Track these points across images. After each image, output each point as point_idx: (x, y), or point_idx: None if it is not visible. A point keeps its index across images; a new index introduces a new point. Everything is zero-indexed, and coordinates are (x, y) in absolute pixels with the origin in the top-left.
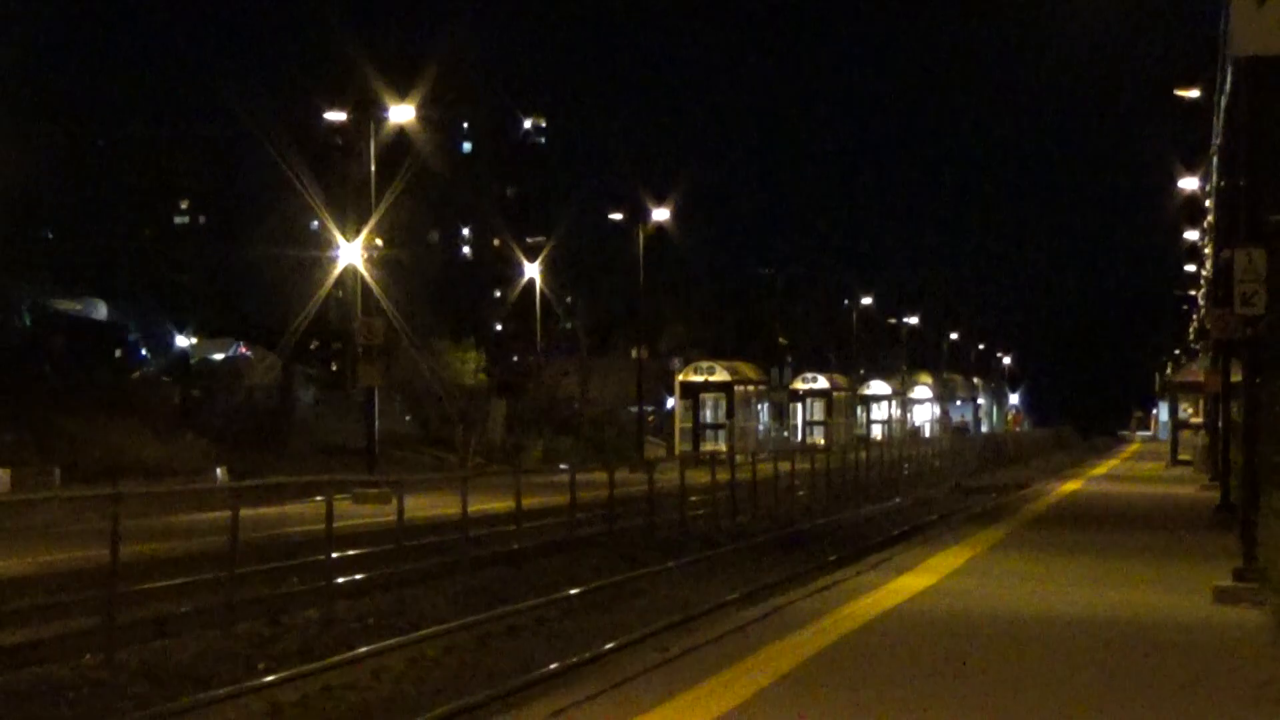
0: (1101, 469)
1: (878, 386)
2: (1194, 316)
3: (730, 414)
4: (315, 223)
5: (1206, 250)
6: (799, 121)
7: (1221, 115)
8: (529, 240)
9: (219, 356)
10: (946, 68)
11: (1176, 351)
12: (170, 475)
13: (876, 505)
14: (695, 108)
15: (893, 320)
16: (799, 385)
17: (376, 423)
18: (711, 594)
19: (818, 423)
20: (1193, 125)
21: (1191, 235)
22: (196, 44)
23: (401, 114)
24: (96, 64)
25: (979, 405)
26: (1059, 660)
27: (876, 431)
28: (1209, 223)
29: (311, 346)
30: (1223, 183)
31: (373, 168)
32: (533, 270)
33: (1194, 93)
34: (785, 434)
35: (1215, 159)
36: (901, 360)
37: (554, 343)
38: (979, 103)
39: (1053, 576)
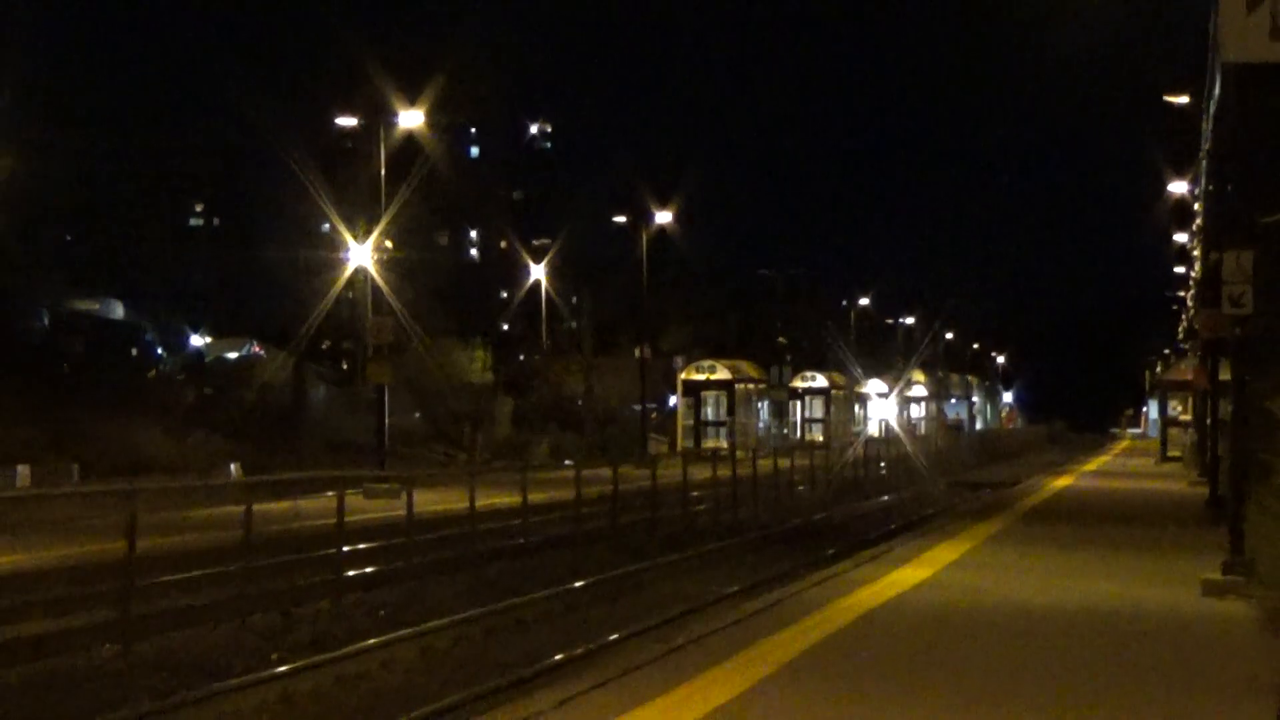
0: (1093, 465)
1: (875, 385)
2: (1183, 317)
3: (731, 411)
4: (326, 225)
5: (1195, 252)
6: (800, 127)
7: (1210, 120)
8: (535, 242)
9: (232, 355)
10: (945, 75)
11: (1166, 351)
12: (185, 471)
13: (875, 500)
14: (698, 113)
15: (889, 321)
16: (798, 384)
17: (386, 420)
18: (714, 586)
19: (816, 420)
20: (1182, 130)
21: (1181, 238)
22: (211, 52)
23: (411, 119)
24: (114, 72)
25: (973, 403)
26: (1052, 650)
27: (874, 428)
28: (1198, 225)
29: (323, 346)
30: (1211, 186)
31: (382, 172)
32: (538, 271)
33: (1183, 98)
34: (785, 431)
35: (1204, 163)
36: (898, 360)
37: (559, 342)
38: (976, 109)
39: (1046, 569)
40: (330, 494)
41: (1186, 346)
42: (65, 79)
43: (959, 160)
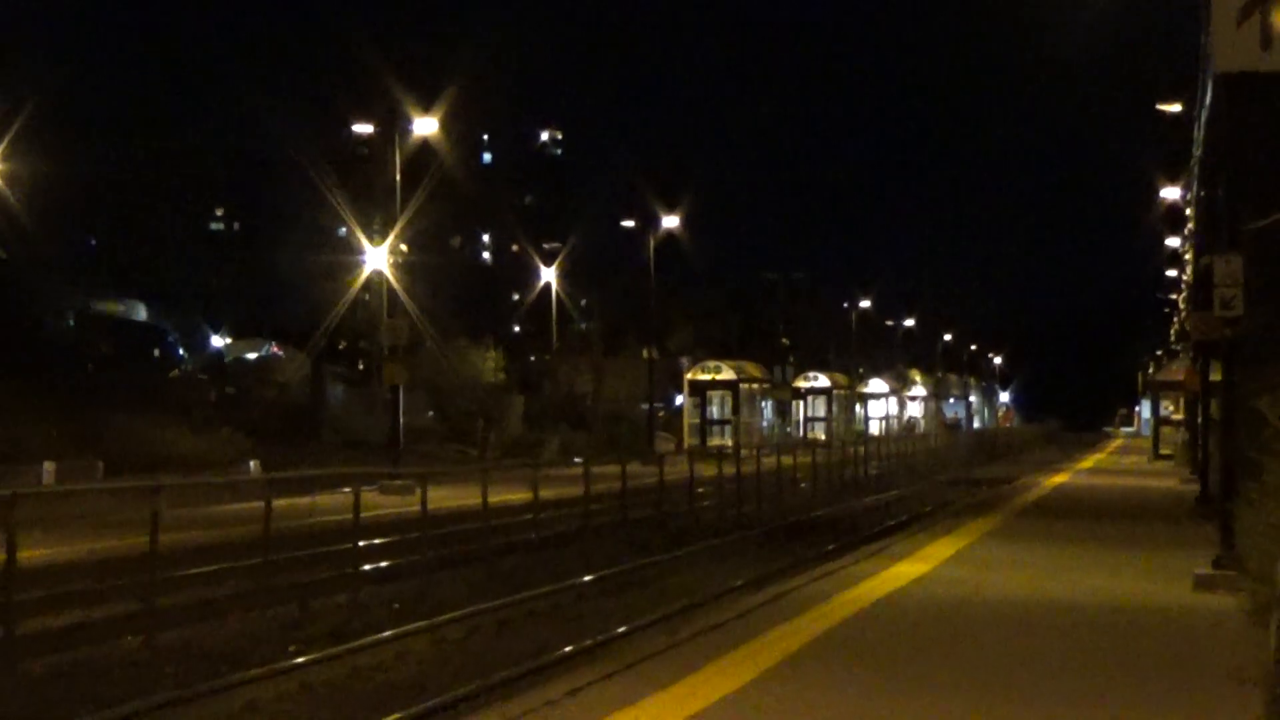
0: (1087, 463)
1: (876, 385)
2: (1175, 319)
3: (736, 410)
4: (343, 229)
5: (1187, 256)
6: (801, 134)
7: (1202, 129)
8: (545, 246)
9: (252, 356)
10: (944, 82)
11: (1158, 352)
12: (206, 468)
13: (874, 497)
14: (702, 120)
15: (890, 322)
16: (801, 383)
17: (401, 418)
18: (718, 580)
19: (818, 419)
20: (1174, 138)
21: (1173, 242)
22: (231, 63)
23: (425, 127)
24: (137, 81)
25: (971, 403)
26: (1047, 643)
27: (875, 427)
28: (1190, 230)
29: (340, 346)
30: (1203, 192)
31: (398, 178)
32: (549, 274)
33: (1176, 107)
34: (788, 430)
35: (1196, 170)
36: (897, 360)
37: (569, 343)
38: (974, 117)
39: (1041, 564)
40: (346, 490)
41: (1178, 348)
42: (91, 88)
43: (957, 167)
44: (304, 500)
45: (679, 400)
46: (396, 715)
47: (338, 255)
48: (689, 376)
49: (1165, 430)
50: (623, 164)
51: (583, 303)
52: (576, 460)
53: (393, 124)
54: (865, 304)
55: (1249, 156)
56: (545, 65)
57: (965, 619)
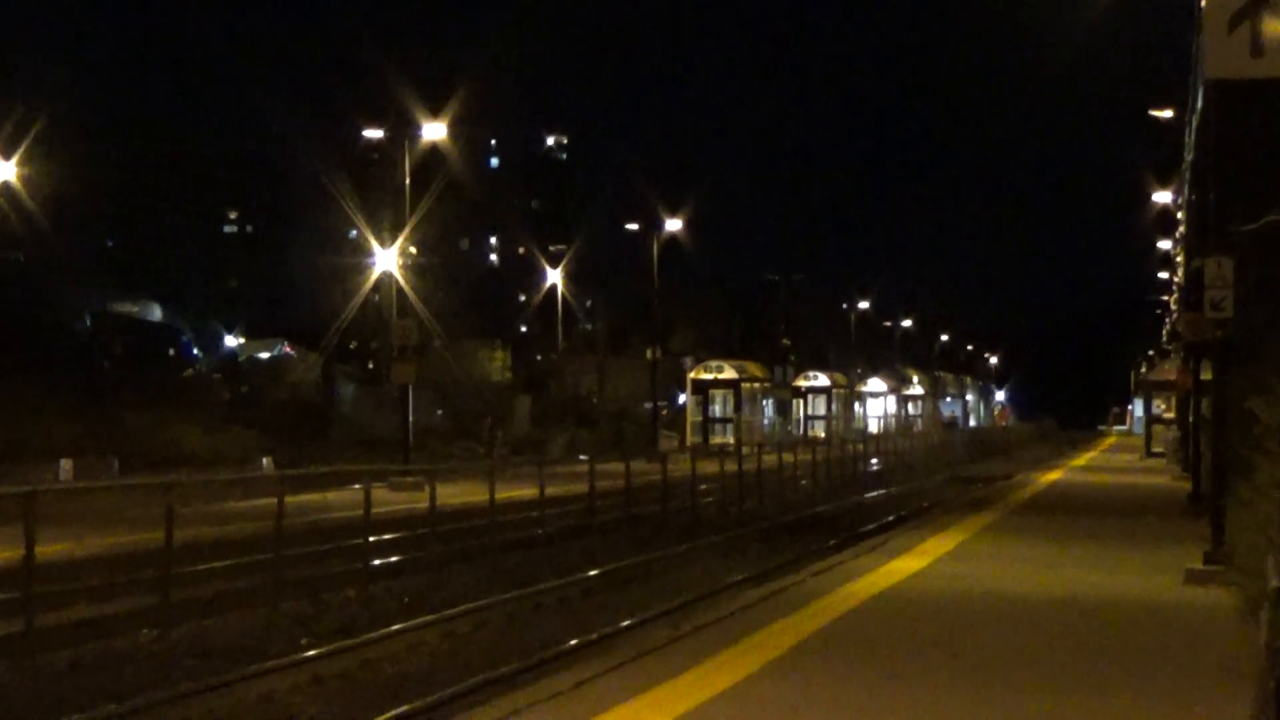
0: (1081, 460)
1: (874, 384)
2: (1167, 320)
3: (738, 409)
4: (354, 232)
5: (1179, 259)
6: (802, 141)
7: (1193, 134)
8: (551, 249)
9: (265, 355)
10: (942, 89)
11: (1150, 352)
12: (220, 465)
13: (873, 493)
14: (705, 126)
15: (888, 323)
16: (801, 383)
17: (410, 417)
18: (721, 575)
19: (818, 417)
20: (1166, 143)
21: (1165, 245)
22: (245, 70)
23: (434, 132)
24: (154, 88)
25: (968, 401)
26: (1042, 637)
27: (873, 425)
28: (1181, 233)
29: (350, 346)
30: (1194, 196)
31: (407, 182)
32: (555, 276)
33: (1167, 113)
34: (789, 428)
35: (1187, 174)
36: (896, 359)
37: (574, 343)
38: (971, 123)
39: (1037, 559)
40: (357, 487)
41: (1170, 348)
42: (108, 95)
43: (955, 172)
44: (316, 496)
45: (682, 399)
46: (407, 706)
47: (348, 257)
48: (692, 376)
49: (1157, 429)
50: (626, 168)
51: (587, 304)
52: (582, 458)
53: (402, 129)
54: (864, 305)
55: (1239, 161)
56: (551, 73)
57: (963, 613)
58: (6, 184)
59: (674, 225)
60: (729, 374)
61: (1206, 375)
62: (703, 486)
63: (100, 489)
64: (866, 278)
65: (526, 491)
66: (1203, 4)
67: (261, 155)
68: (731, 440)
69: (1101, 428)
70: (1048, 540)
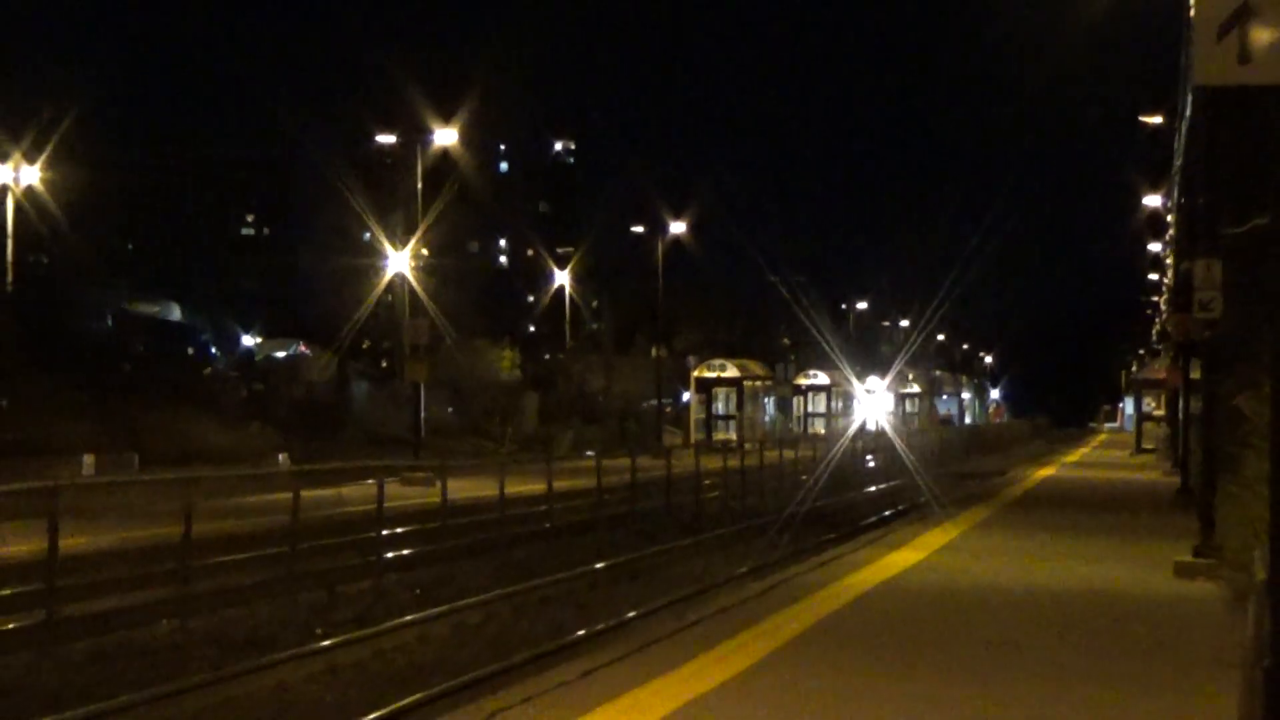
0: (1074, 457)
1: (873, 382)
2: (1157, 320)
3: (740, 406)
4: (367, 234)
5: (1169, 261)
6: (802, 148)
7: (1182, 140)
8: (559, 250)
9: (281, 354)
10: (940, 96)
11: (1141, 351)
12: (237, 461)
13: (872, 488)
14: (710, 133)
15: (885, 323)
16: (801, 381)
17: (422, 414)
18: (724, 568)
19: (818, 414)
20: (1157, 148)
21: (1155, 247)
22: (262, 78)
23: (445, 138)
24: (174, 96)
25: (963, 399)
26: (1035, 627)
27: (871, 423)
28: (1171, 236)
29: (364, 345)
30: (1183, 200)
31: (419, 186)
32: (562, 277)
33: (1157, 119)
34: (790, 425)
35: (1177, 179)
36: (893, 359)
37: (581, 342)
38: (968, 130)
39: (1030, 553)
40: (370, 482)
41: (1160, 348)
42: (129, 102)
43: (952, 180)
44: (330, 491)
45: (686, 397)
46: (419, 695)
47: (362, 259)
48: (695, 374)
49: (1147, 426)
50: (632, 172)
51: (594, 304)
52: (589, 454)
53: (414, 135)
54: (862, 305)
55: (1228, 166)
56: (558, 80)
57: (959, 605)
58: (30, 188)
59: (678, 228)
60: (732, 372)
61: (1195, 374)
62: (706, 482)
63: (121, 484)
64: (865, 279)
65: (535, 486)
66: (1192, 14)
67: (277, 160)
68: (734, 437)
69: (1093, 425)
70: (1041, 534)
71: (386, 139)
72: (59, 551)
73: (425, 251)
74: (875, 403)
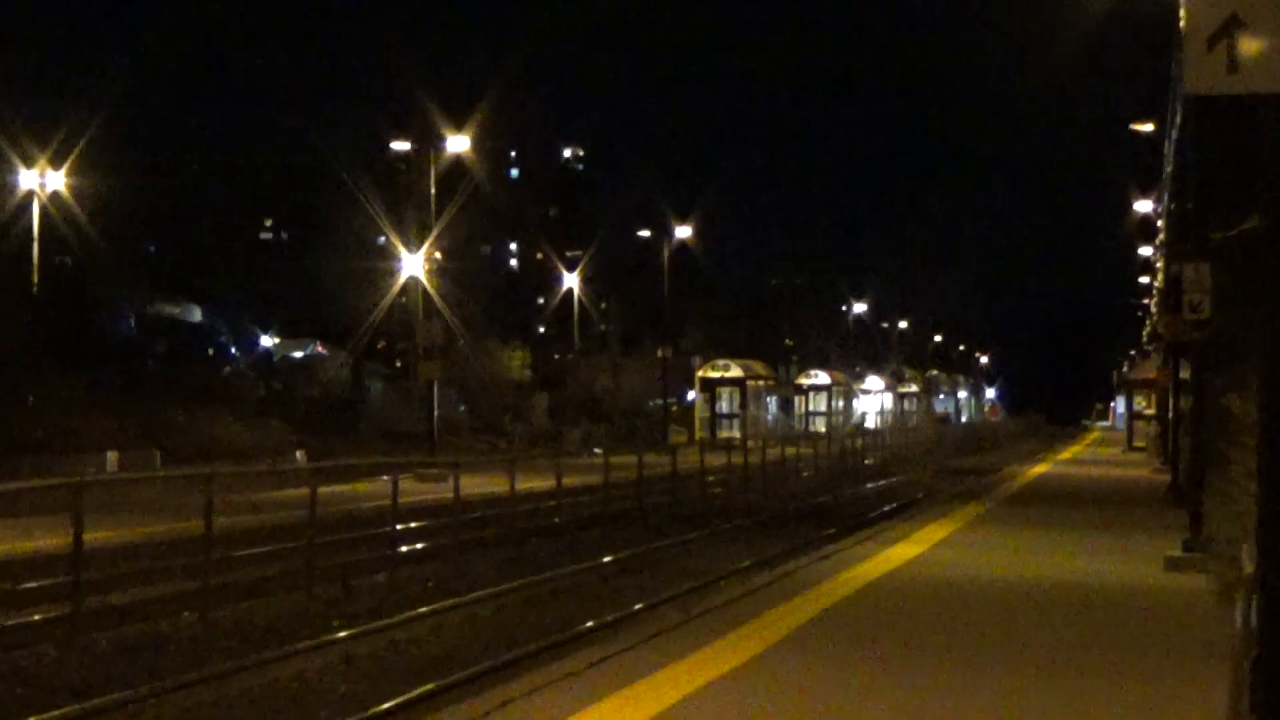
0: (1067, 454)
1: (872, 382)
2: (1147, 322)
3: (743, 405)
4: (381, 238)
5: (1159, 264)
6: (803, 154)
7: (1172, 146)
8: (568, 254)
9: (298, 354)
10: (937, 103)
11: (1132, 352)
12: (256, 457)
13: (871, 485)
14: (713, 140)
15: (885, 324)
16: (803, 380)
17: (435, 412)
18: (727, 562)
19: (819, 413)
20: (1147, 155)
21: (1145, 251)
22: (281, 85)
23: (457, 144)
24: (195, 102)
25: (960, 398)
26: (1030, 619)
27: (870, 421)
28: (1161, 240)
29: (379, 345)
30: (1173, 205)
31: (432, 191)
32: (571, 280)
33: (1148, 127)
34: (791, 423)
35: (1167, 184)
36: (892, 359)
37: (589, 343)
38: (965, 137)
39: (1024, 547)
40: (385, 478)
41: (1150, 348)
42: (154, 110)
43: (949, 184)
44: (346, 487)
45: (691, 396)
46: (432, 684)
47: (377, 262)
48: (700, 374)
49: (1138, 424)
50: (640, 178)
51: (602, 306)
52: (596, 451)
53: (427, 142)
54: (862, 307)
55: (1216, 172)
56: (567, 89)
57: (955, 597)
58: (56, 193)
59: (684, 232)
60: (735, 372)
61: (1185, 374)
62: (710, 478)
63: (143, 480)
64: (864, 281)
65: (545, 483)
66: (1182, 24)
67: (296, 167)
68: (738, 435)
69: (1086, 423)
70: (1035, 529)
71: (401, 146)
72: (84, 545)
73: (439, 255)
74: (874, 402)
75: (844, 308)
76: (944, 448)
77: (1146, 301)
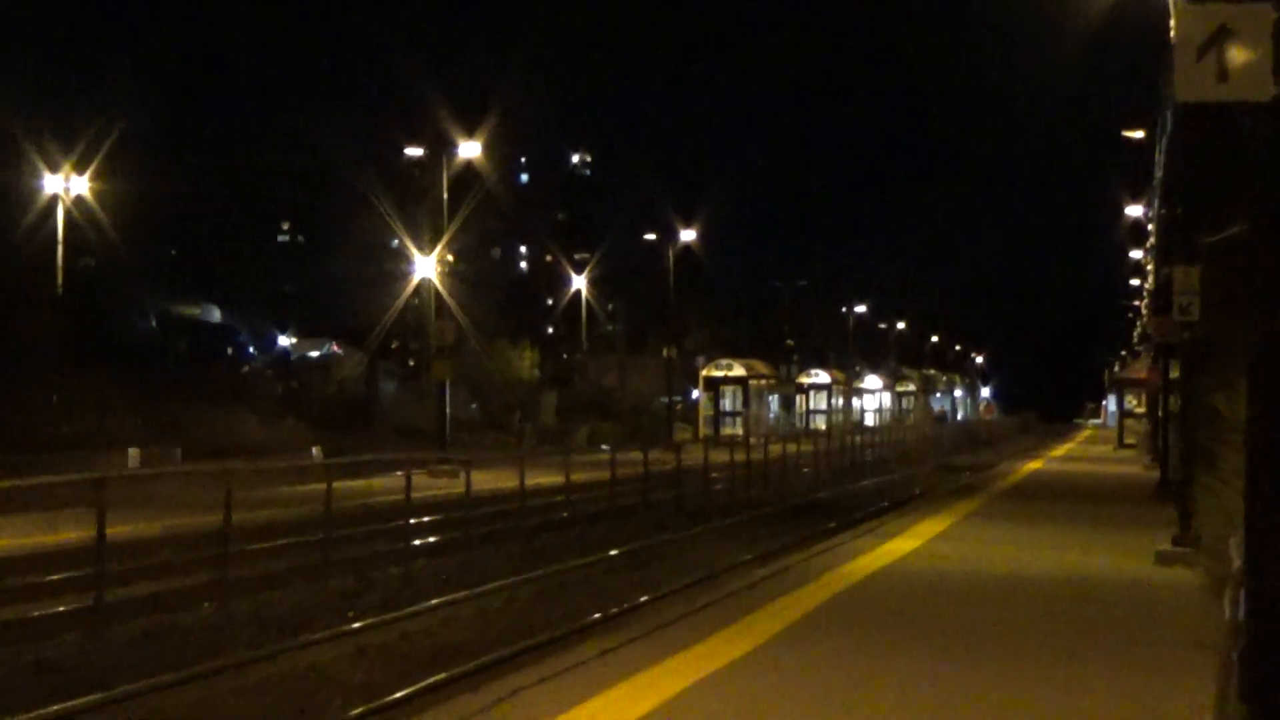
0: (1060, 451)
1: (870, 381)
2: (1138, 323)
3: (746, 404)
4: (395, 241)
5: (1149, 267)
6: (804, 159)
7: (1163, 153)
8: (576, 256)
9: (314, 354)
10: (935, 107)
11: (1123, 352)
12: (273, 454)
13: (869, 481)
14: (716, 144)
15: (883, 325)
16: (804, 379)
17: (447, 410)
18: (730, 555)
19: (819, 411)
20: (1138, 161)
21: (1136, 254)
22: (298, 91)
23: (469, 150)
24: (214, 108)
25: (956, 397)
26: (1024, 611)
27: (870, 419)
28: (1151, 244)
29: (392, 345)
30: (1164, 210)
31: (445, 195)
32: (579, 282)
33: (1139, 133)
34: (793, 421)
35: (1157, 189)
36: (891, 358)
37: (597, 343)
38: (962, 142)
39: (1019, 542)
40: (399, 474)
41: (1141, 349)
42: (174, 115)
43: (946, 187)
44: (360, 483)
45: (695, 394)
46: (443, 674)
47: (390, 264)
48: (704, 373)
49: (1129, 422)
50: (646, 183)
51: (609, 307)
52: (603, 448)
53: (440, 147)
54: (861, 308)
55: (1205, 178)
56: (575, 95)
57: (952, 589)
58: (80, 197)
59: (688, 235)
60: (738, 371)
61: (1175, 373)
62: (714, 474)
63: (164, 475)
64: (864, 282)
65: (553, 478)
66: (1173, 34)
67: (313, 170)
68: (740, 432)
69: (1079, 421)
70: (1029, 524)
71: (414, 152)
72: (106, 539)
73: (450, 257)
74: (873, 400)
75: (844, 308)
76: (941, 445)
77: (1137, 303)
